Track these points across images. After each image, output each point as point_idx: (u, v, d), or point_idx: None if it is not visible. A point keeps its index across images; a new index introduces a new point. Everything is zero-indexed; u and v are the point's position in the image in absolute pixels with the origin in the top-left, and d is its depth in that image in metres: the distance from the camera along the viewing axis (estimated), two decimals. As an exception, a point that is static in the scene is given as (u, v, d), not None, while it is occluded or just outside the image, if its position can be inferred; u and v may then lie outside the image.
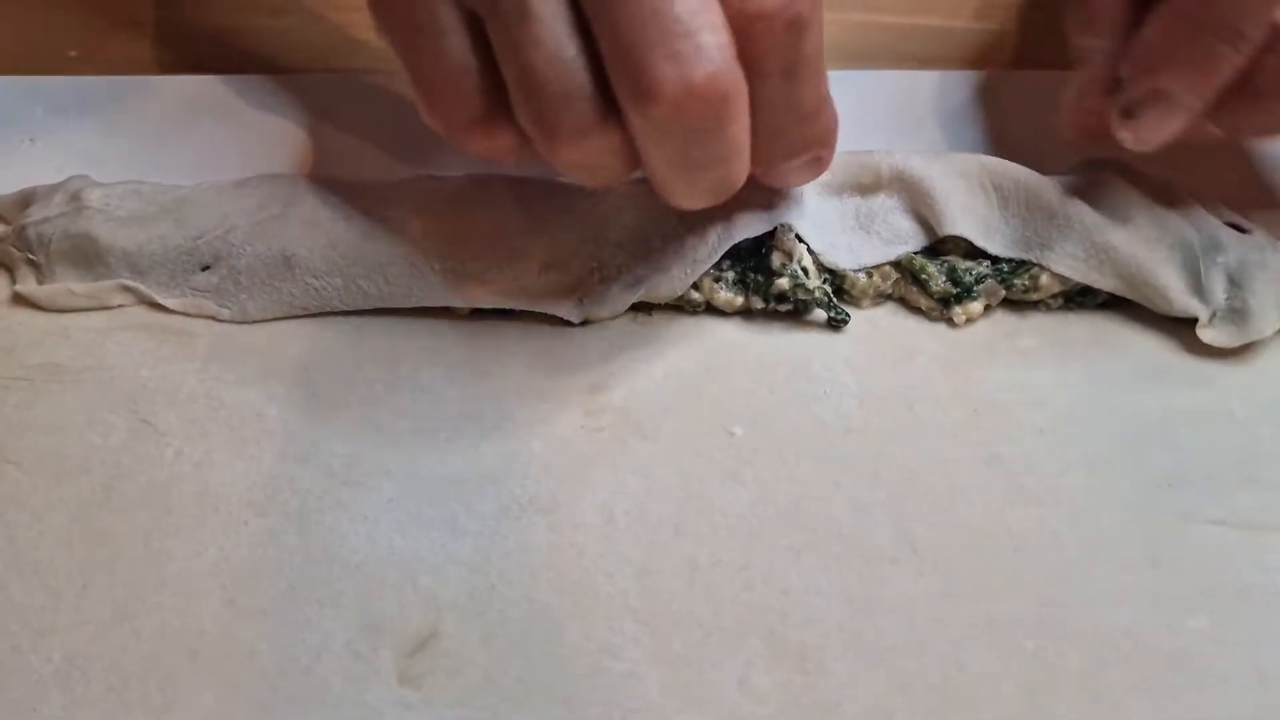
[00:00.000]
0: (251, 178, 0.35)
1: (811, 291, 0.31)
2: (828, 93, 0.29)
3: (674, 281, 0.31)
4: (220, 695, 0.25)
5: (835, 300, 0.32)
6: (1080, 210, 0.31)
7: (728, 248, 0.31)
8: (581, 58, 0.26)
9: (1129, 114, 0.30)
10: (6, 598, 0.27)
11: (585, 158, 0.27)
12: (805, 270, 0.31)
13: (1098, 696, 0.25)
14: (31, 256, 0.33)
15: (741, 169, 0.28)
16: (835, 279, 0.32)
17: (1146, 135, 0.30)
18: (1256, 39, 0.28)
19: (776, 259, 0.31)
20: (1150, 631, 0.26)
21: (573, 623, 0.26)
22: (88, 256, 0.33)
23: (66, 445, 0.30)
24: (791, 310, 0.32)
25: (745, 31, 0.26)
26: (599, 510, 0.28)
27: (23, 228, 0.33)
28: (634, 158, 0.27)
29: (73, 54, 0.44)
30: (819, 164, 0.31)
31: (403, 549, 0.28)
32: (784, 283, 0.31)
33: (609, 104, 0.26)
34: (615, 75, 0.25)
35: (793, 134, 0.29)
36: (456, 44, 0.27)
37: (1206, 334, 0.30)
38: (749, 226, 0.31)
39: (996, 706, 0.25)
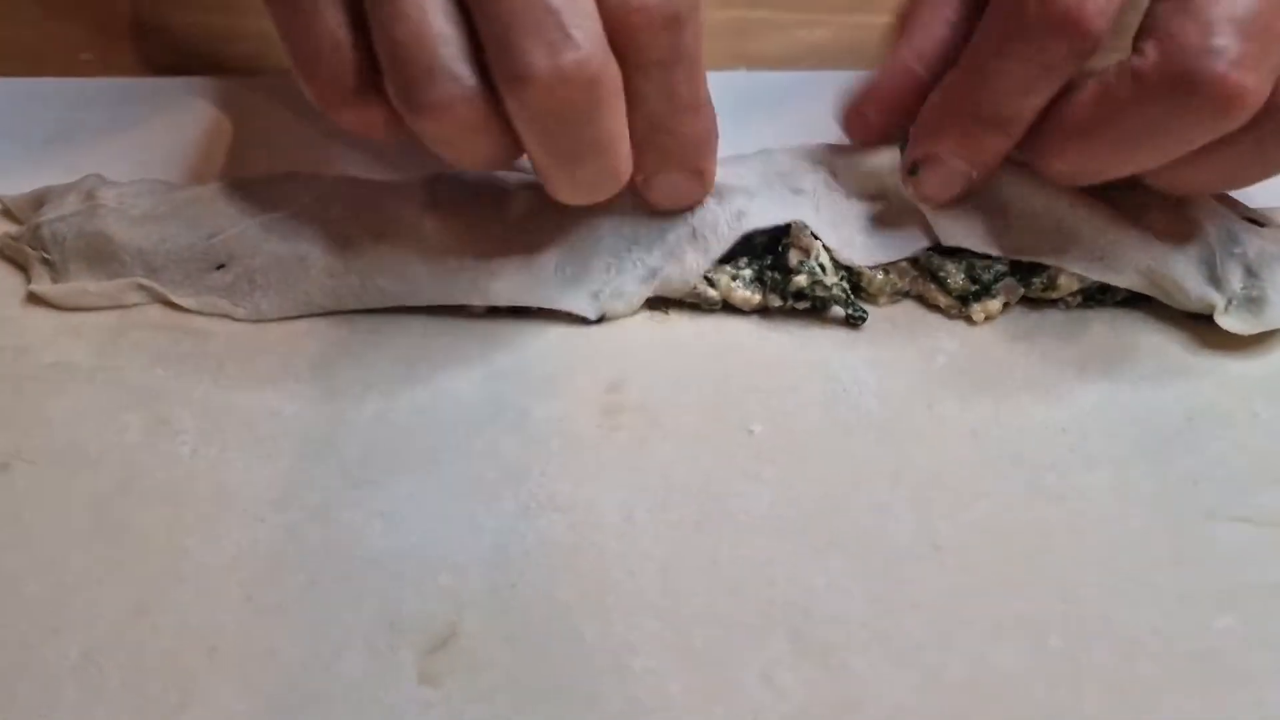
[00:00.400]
0: (265, 176, 0.35)
1: (829, 288, 0.31)
2: (707, 95, 0.30)
3: (688, 272, 0.31)
4: (239, 692, 0.25)
5: (853, 297, 0.32)
6: (1091, 210, 0.31)
7: (740, 235, 0.31)
8: (453, 35, 0.27)
9: (911, 171, 0.31)
10: (23, 593, 0.27)
11: (450, 133, 0.28)
12: (822, 267, 0.31)
13: (1126, 694, 0.24)
14: (46, 255, 0.33)
15: (619, 165, 0.29)
16: (852, 276, 0.32)
17: (928, 194, 0.31)
18: (1026, 118, 0.29)
19: (793, 256, 0.31)
20: (1178, 630, 0.25)
21: (593, 620, 0.26)
22: (102, 255, 0.33)
23: (82, 443, 0.30)
24: (809, 308, 0.32)
25: (622, 24, 0.27)
26: (619, 508, 0.28)
27: (37, 226, 0.33)
28: (509, 142, 0.28)
29: (86, 57, 0.44)
30: (700, 180, 0.31)
31: (422, 546, 0.27)
32: (801, 279, 0.31)
33: (484, 85, 0.27)
34: (491, 58, 0.26)
35: (670, 134, 0.30)
36: (333, 17, 0.28)
37: (1224, 320, 0.30)
38: (762, 216, 0.31)
39: (1024, 704, 0.24)
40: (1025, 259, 0.31)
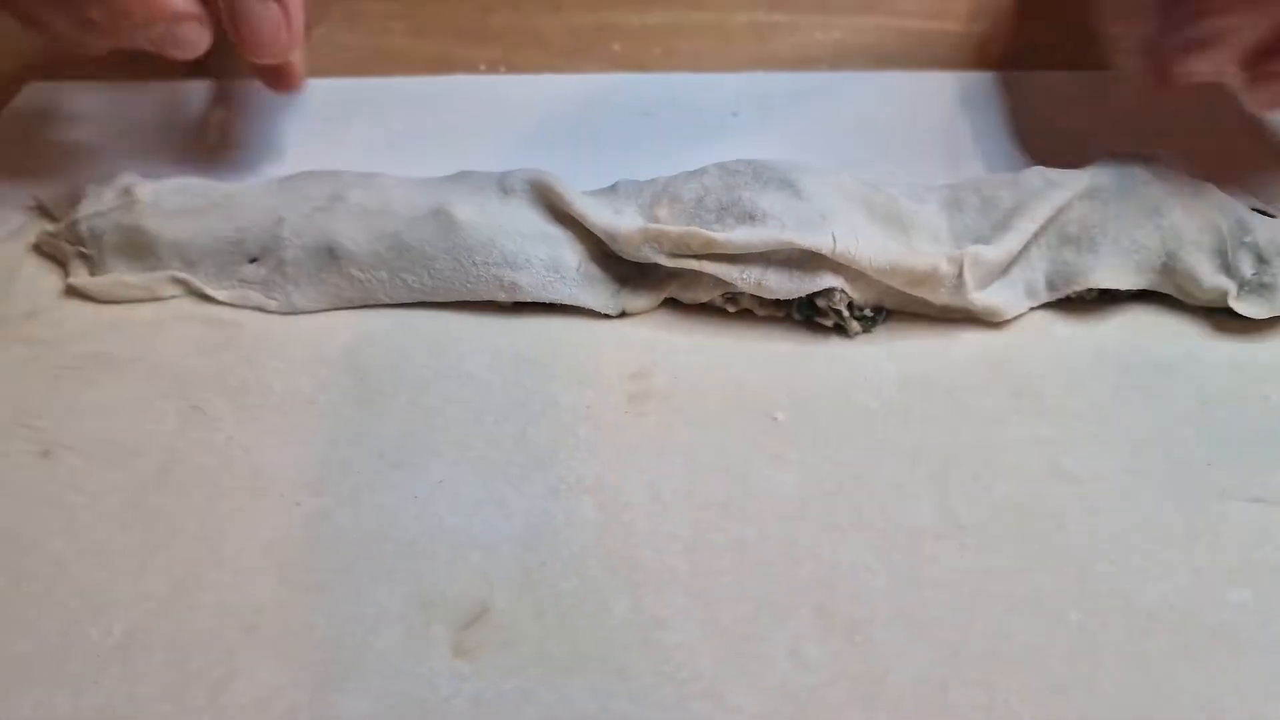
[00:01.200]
0: (298, 174, 0.36)
1: (852, 323, 0.32)
2: None
3: (701, 294, 0.32)
4: (279, 668, 0.26)
5: (876, 317, 0.33)
6: (1106, 225, 0.32)
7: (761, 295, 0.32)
8: None
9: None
10: (67, 575, 0.28)
11: None
12: (848, 313, 0.32)
13: (1143, 665, 0.25)
14: (84, 250, 0.34)
15: None
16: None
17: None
18: None
19: (821, 302, 0.32)
20: (1193, 604, 0.26)
21: (623, 596, 0.27)
22: (139, 249, 0.34)
23: (120, 431, 0.31)
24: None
25: None
26: (646, 490, 0.29)
27: (75, 222, 0.34)
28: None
29: (120, 64, 0.45)
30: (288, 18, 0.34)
31: (454, 527, 0.28)
32: (827, 321, 0.32)
33: None
34: None
35: None
36: None
37: (1237, 305, 0.31)
38: (782, 287, 0.32)
39: (1043, 675, 0.25)
40: (1058, 296, 0.33)
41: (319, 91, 0.42)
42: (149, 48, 0.34)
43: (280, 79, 0.38)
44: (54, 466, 0.30)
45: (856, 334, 0.32)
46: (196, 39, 0.34)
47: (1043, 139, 0.39)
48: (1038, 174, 0.33)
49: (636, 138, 0.40)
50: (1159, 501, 0.28)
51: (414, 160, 0.37)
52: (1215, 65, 0.32)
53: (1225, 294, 0.31)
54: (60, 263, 0.35)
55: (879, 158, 0.38)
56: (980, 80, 0.42)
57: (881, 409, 0.31)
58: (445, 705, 0.25)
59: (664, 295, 0.33)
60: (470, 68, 0.44)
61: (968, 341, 0.32)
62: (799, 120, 0.40)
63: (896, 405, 0.31)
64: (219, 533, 0.29)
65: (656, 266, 0.33)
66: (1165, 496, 0.28)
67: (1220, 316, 0.32)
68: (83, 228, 0.34)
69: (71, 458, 0.31)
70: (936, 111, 0.41)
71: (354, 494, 0.29)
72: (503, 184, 0.34)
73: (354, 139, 0.40)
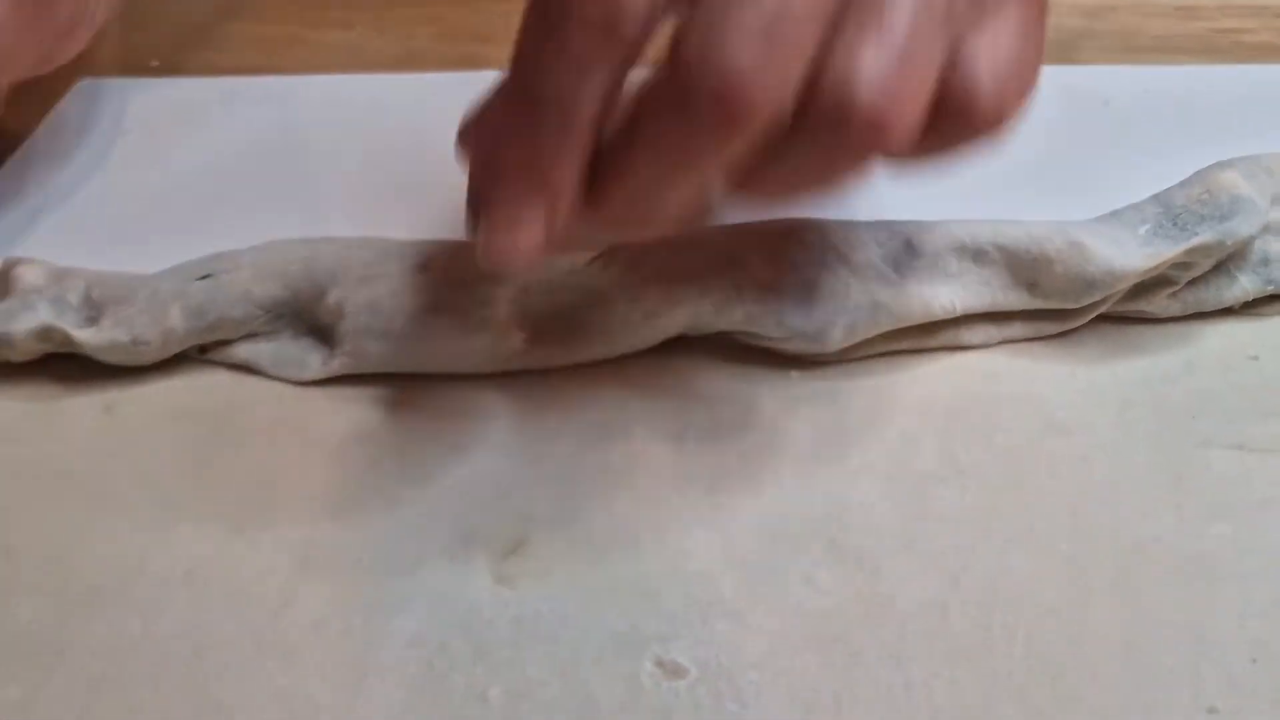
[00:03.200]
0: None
1: None
2: None
3: None
4: (333, 594, 0.29)
5: None
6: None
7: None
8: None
9: None
10: (135, 516, 0.31)
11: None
12: None
13: (1130, 591, 0.28)
14: None
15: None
16: None
17: None
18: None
19: None
20: (1176, 538, 0.29)
21: (650, 531, 0.30)
22: None
23: (176, 393, 0.35)
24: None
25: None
26: (670, 439, 0.32)
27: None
28: None
29: (154, 64, 0.49)
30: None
31: (493, 471, 0.32)
32: None
33: None
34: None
35: None
36: None
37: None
38: None
39: (1038, 599, 0.28)
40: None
41: (348, 86, 0.46)
42: None
43: None
44: (115, 420, 0.34)
45: None
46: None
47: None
48: None
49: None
50: (1146, 449, 0.32)
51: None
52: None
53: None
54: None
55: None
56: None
57: (888, 368, 0.34)
58: (488, 626, 0.28)
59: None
60: (495, 68, 0.48)
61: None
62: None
63: (903, 364, 0.34)
64: (270, 483, 0.32)
65: None
66: (1151, 445, 0.32)
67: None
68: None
69: (132, 413, 0.34)
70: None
71: (399, 446, 0.33)
72: None
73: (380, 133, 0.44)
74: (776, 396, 0.33)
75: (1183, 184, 0.35)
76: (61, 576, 0.30)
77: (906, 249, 0.34)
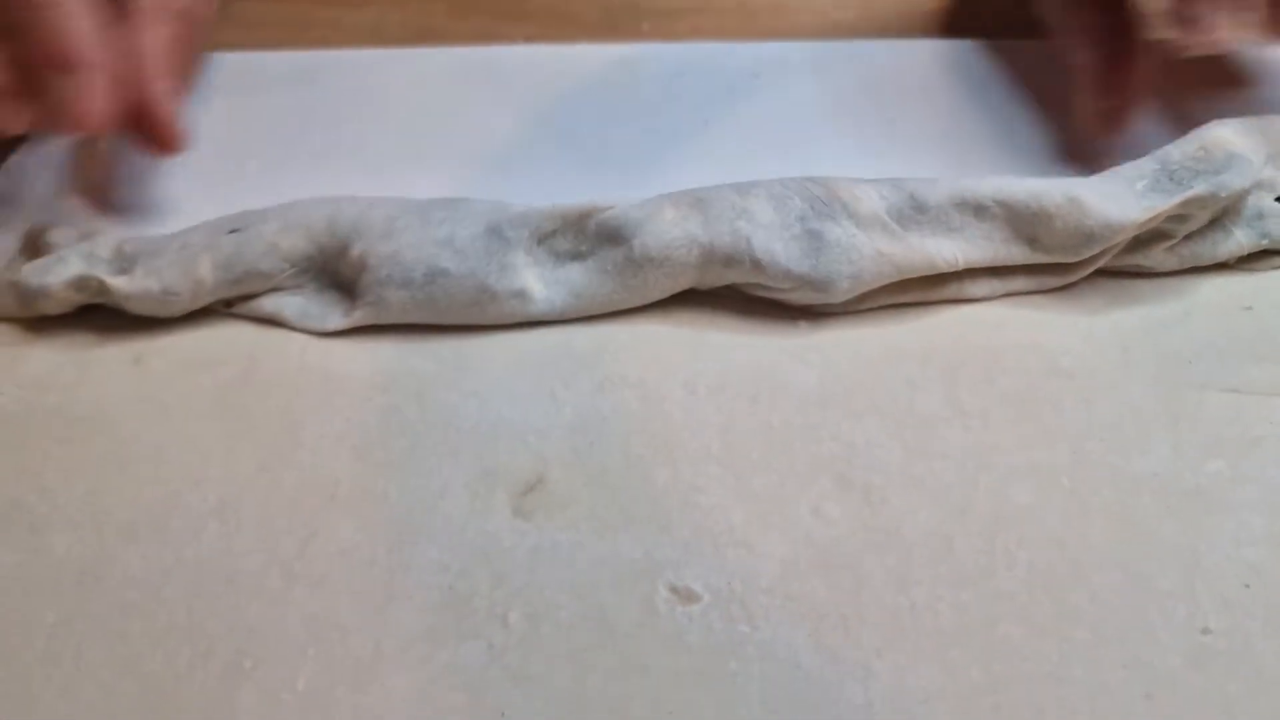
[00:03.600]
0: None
1: None
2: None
3: None
4: (358, 527, 0.31)
5: None
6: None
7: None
8: None
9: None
10: (165, 457, 0.33)
11: None
12: None
13: (1128, 521, 0.30)
14: None
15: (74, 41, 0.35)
16: None
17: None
18: None
19: None
20: (1173, 472, 0.31)
21: (663, 469, 0.31)
22: None
23: (203, 343, 0.36)
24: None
25: None
26: (683, 384, 0.34)
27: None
28: None
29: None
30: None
31: (510, 415, 0.33)
32: None
33: None
34: None
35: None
36: None
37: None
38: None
39: (1039, 529, 0.30)
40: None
41: (363, 61, 0.47)
42: None
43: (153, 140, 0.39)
44: (145, 371, 0.35)
45: None
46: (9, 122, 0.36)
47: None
48: None
49: (670, 97, 0.45)
50: (1145, 391, 0.33)
51: (464, 126, 0.41)
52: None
53: None
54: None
55: (898, 118, 0.43)
56: (996, 47, 0.47)
57: (893, 318, 0.35)
58: (507, 554, 0.30)
59: None
60: (509, 42, 0.49)
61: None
62: (817, 80, 0.45)
63: (908, 314, 0.35)
64: (298, 424, 0.33)
65: None
66: (1150, 387, 0.33)
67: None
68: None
69: (161, 365, 0.35)
70: (953, 76, 0.45)
71: (419, 391, 0.34)
72: None
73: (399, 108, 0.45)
74: (785, 346, 0.35)
75: (1179, 142, 0.36)
76: (96, 513, 0.31)
77: (910, 202, 0.35)
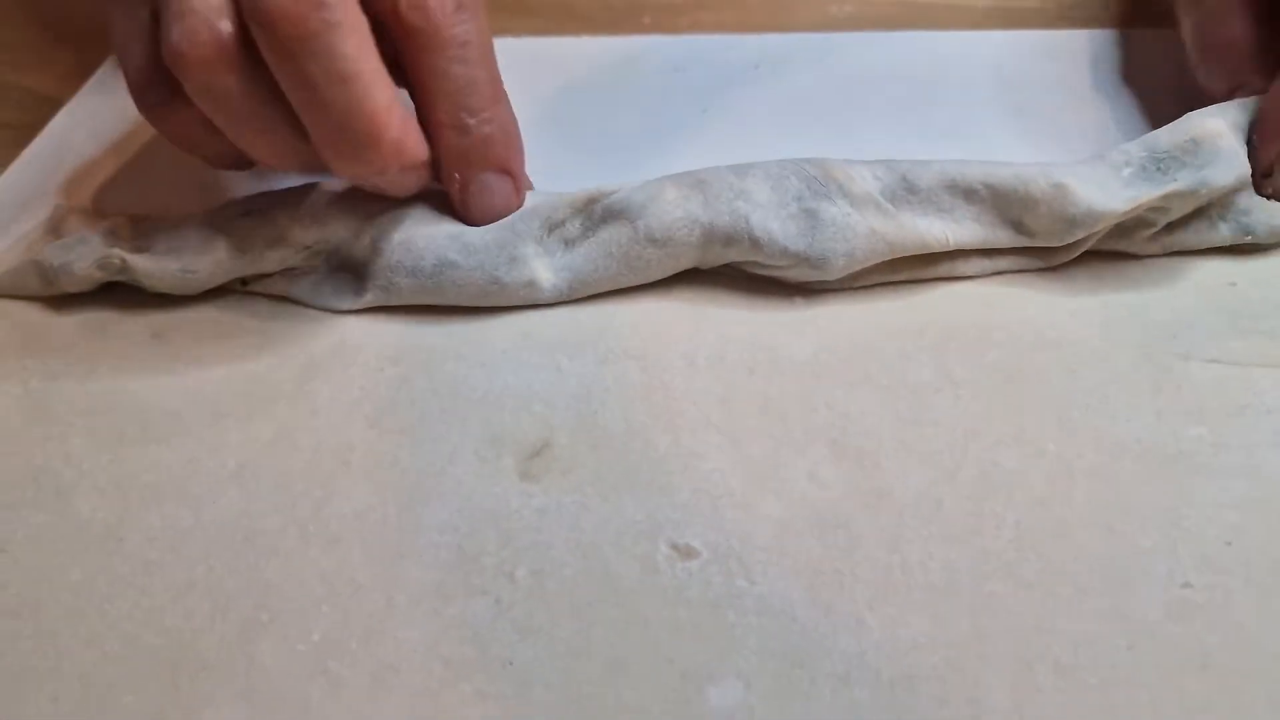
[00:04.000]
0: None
1: None
2: (503, 93, 0.35)
3: None
4: (371, 490, 0.32)
5: None
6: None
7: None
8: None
9: (1266, 175, 0.35)
10: (185, 423, 0.34)
11: (209, 82, 0.32)
12: None
13: (1112, 484, 0.31)
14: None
15: (367, 108, 0.31)
16: None
17: None
18: None
19: None
20: (1156, 438, 0.32)
21: (665, 435, 0.33)
22: None
23: (216, 317, 0.37)
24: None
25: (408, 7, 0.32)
26: (683, 357, 0.35)
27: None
28: (272, 98, 0.32)
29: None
30: (510, 180, 0.36)
31: (517, 386, 0.34)
32: None
33: (237, 45, 0.31)
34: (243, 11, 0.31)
35: (470, 127, 0.34)
36: (140, 41, 0.33)
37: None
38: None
39: (1025, 491, 0.31)
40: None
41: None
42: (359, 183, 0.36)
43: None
44: (164, 345, 0.36)
45: None
46: (415, 185, 0.36)
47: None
48: None
49: (671, 88, 0.46)
50: (1129, 362, 0.34)
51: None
52: None
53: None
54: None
55: (895, 109, 0.44)
56: (1004, 39, 0.48)
57: (886, 294, 0.36)
58: (514, 515, 0.31)
59: None
60: (514, 37, 0.51)
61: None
62: (816, 72, 0.47)
63: (902, 291, 0.36)
64: (312, 392, 0.35)
65: None
66: (1135, 358, 0.34)
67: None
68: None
69: (176, 339, 0.37)
70: (950, 67, 0.47)
71: (429, 363, 0.35)
72: None
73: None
74: (782, 320, 0.36)
75: (1170, 128, 0.37)
76: (119, 477, 0.33)
77: (902, 184, 0.36)
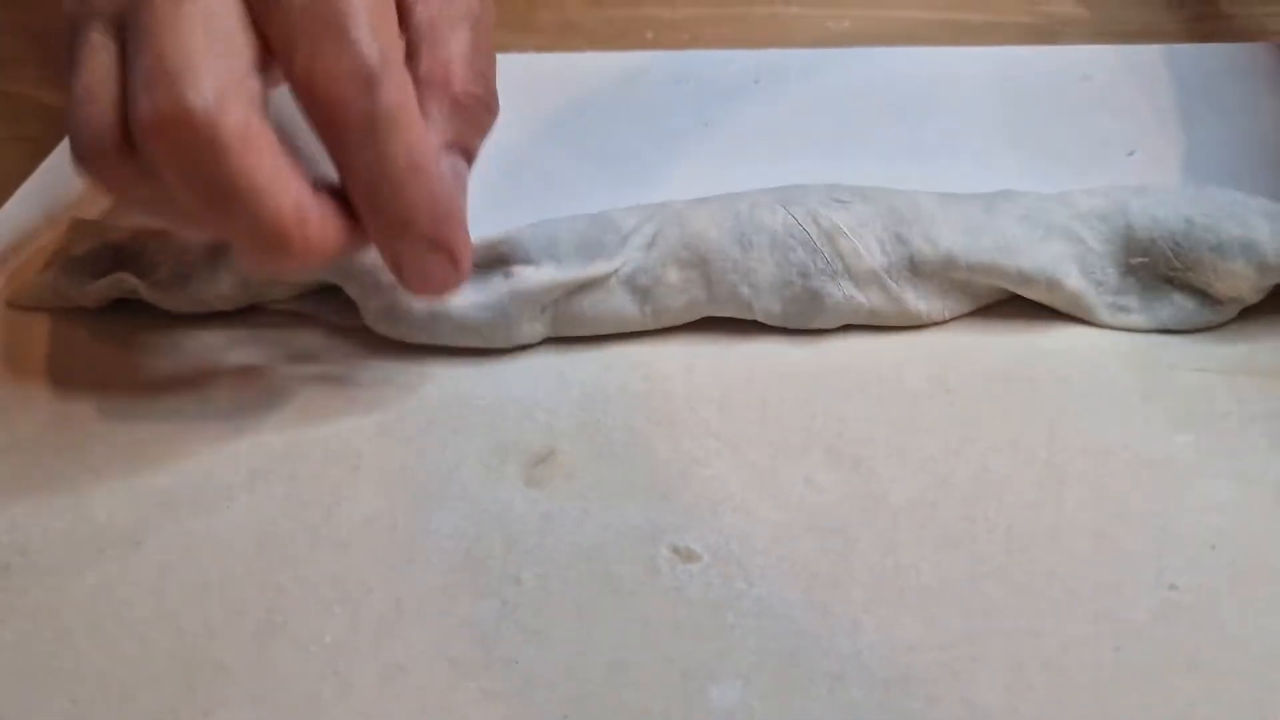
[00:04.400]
0: None
1: None
2: (434, 158, 0.30)
3: None
4: (380, 496, 0.33)
5: None
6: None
7: None
8: (102, 100, 0.28)
9: None
10: (197, 432, 0.35)
11: (113, 185, 0.30)
12: None
13: (1101, 489, 0.32)
14: None
15: (277, 221, 0.28)
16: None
17: None
18: None
19: None
20: (1145, 444, 0.33)
21: (665, 442, 0.33)
22: None
23: (232, 332, 0.38)
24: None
25: (311, 90, 0.28)
26: (683, 365, 0.36)
27: None
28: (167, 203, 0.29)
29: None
30: (449, 256, 0.31)
31: (521, 394, 0.35)
32: None
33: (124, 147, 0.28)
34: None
35: (394, 201, 0.29)
36: (90, 74, 0.29)
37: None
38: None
39: (1017, 496, 0.31)
40: None
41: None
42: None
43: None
44: (178, 356, 0.37)
45: None
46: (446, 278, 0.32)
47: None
48: None
49: (673, 102, 0.47)
50: (1119, 370, 0.35)
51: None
52: None
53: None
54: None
55: (892, 123, 0.45)
56: (998, 54, 0.49)
57: (883, 304, 0.37)
58: (519, 520, 0.32)
59: None
60: (518, 53, 0.52)
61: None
62: (814, 86, 0.48)
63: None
64: (321, 403, 0.36)
65: None
66: (1124, 367, 0.35)
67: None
68: None
69: (192, 349, 0.38)
70: (949, 82, 0.48)
71: (435, 374, 0.36)
72: None
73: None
74: (778, 334, 0.37)
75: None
76: (134, 484, 0.33)
77: (909, 264, 0.36)
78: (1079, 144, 0.44)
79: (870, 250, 0.36)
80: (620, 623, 0.29)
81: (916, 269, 0.36)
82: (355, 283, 0.36)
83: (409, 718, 0.28)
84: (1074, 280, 0.36)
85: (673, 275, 0.36)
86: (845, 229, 0.36)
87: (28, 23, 0.57)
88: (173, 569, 0.31)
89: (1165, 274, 0.36)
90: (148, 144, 0.28)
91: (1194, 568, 0.30)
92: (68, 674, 0.29)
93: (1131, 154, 0.42)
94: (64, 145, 0.47)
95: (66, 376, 0.37)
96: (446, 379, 0.36)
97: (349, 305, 0.38)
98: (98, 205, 0.43)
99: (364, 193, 0.30)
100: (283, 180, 0.28)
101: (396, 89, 0.29)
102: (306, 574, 0.31)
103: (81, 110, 0.29)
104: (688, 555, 0.31)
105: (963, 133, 0.45)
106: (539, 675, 0.28)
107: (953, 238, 0.36)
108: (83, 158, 0.29)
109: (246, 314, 0.39)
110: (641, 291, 0.36)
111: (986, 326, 0.36)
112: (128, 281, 0.38)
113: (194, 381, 0.36)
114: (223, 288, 0.38)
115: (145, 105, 0.27)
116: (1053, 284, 0.36)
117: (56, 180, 0.45)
